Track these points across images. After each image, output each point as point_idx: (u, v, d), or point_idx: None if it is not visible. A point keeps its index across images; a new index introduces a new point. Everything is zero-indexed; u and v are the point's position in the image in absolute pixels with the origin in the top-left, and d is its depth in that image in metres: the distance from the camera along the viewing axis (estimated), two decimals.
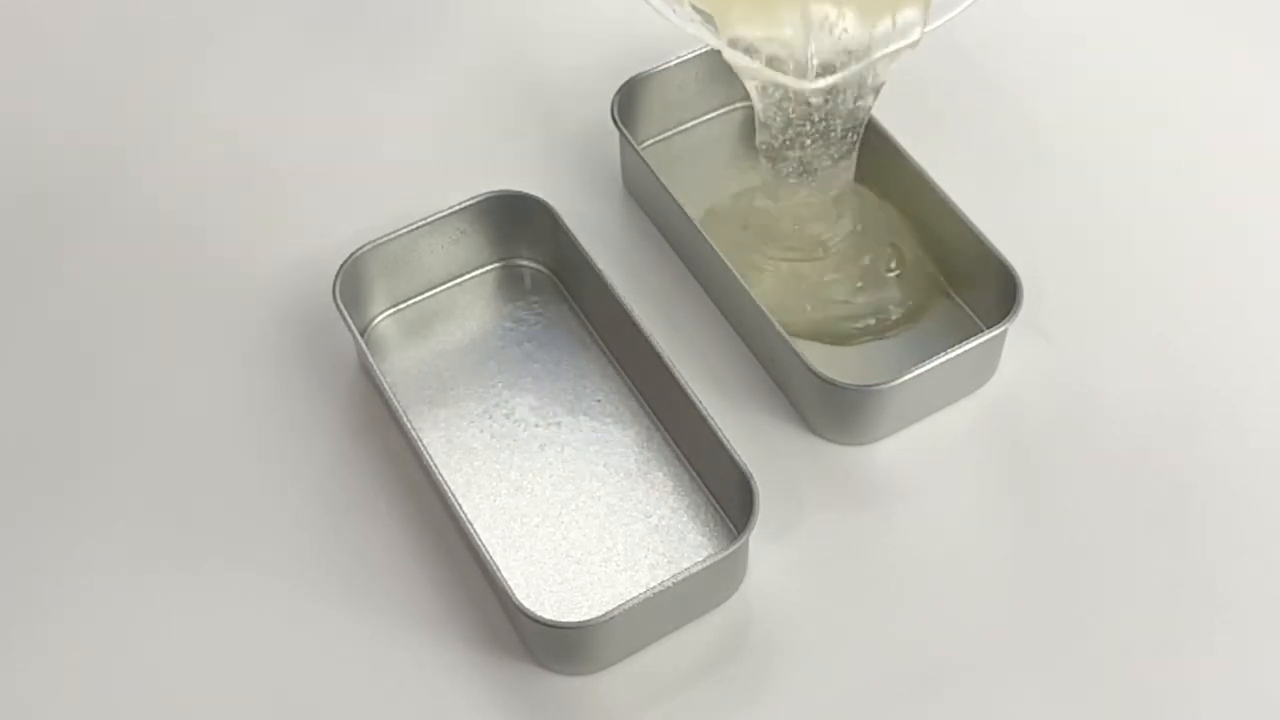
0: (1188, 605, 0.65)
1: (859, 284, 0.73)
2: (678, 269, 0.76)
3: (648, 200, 0.77)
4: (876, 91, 0.67)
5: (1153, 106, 0.82)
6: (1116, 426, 0.70)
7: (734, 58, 0.65)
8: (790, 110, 0.68)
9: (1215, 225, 0.77)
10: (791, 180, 0.71)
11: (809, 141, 0.69)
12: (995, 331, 0.68)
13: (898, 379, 0.67)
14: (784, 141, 0.69)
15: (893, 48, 0.65)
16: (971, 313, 0.73)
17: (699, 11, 0.65)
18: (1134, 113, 0.81)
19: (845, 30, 0.64)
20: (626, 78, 0.76)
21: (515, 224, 0.74)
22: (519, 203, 0.73)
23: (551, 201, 0.73)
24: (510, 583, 0.62)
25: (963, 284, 0.73)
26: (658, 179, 0.74)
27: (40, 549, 0.67)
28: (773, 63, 0.65)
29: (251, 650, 0.65)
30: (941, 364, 0.67)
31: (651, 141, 0.79)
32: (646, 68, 0.76)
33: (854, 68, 0.65)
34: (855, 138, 0.70)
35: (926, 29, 0.65)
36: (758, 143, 0.70)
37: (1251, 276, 0.75)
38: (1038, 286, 0.73)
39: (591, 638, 0.62)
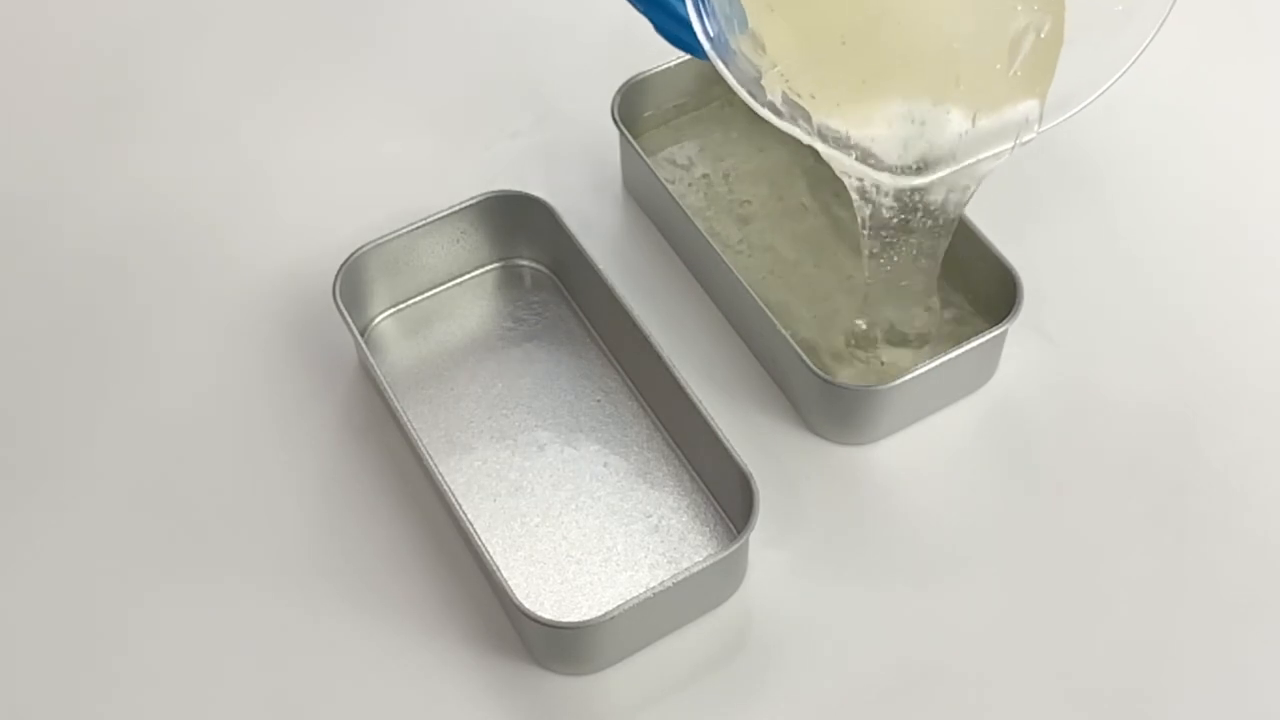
0: (1187, 605, 0.65)
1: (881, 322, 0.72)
2: (678, 269, 0.76)
3: (648, 200, 0.77)
4: (973, 188, 0.63)
5: (1153, 107, 0.81)
6: (1116, 426, 0.70)
7: (826, 151, 0.61)
8: (879, 200, 0.63)
9: (1215, 225, 0.77)
10: (881, 262, 0.67)
11: (894, 229, 0.65)
12: (995, 331, 0.68)
13: (898, 379, 0.67)
14: (868, 227, 0.65)
15: (1001, 148, 0.60)
16: (972, 313, 0.72)
17: (790, 103, 0.61)
18: (1135, 113, 0.81)
19: (965, 129, 0.59)
20: (626, 78, 0.76)
21: (515, 224, 0.74)
22: (519, 203, 0.73)
23: (551, 201, 0.72)
24: (510, 583, 0.62)
25: (964, 284, 0.73)
26: (658, 179, 0.74)
27: (40, 549, 0.67)
28: (867, 157, 0.60)
29: (250, 650, 0.65)
30: (941, 364, 0.67)
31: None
32: (646, 68, 0.76)
33: (954, 167, 0.60)
34: (945, 233, 0.66)
35: (1042, 127, 0.60)
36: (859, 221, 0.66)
37: (1251, 276, 0.75)
38: (1038, 286, 0.73)
39: (591, 638, 0.62)
